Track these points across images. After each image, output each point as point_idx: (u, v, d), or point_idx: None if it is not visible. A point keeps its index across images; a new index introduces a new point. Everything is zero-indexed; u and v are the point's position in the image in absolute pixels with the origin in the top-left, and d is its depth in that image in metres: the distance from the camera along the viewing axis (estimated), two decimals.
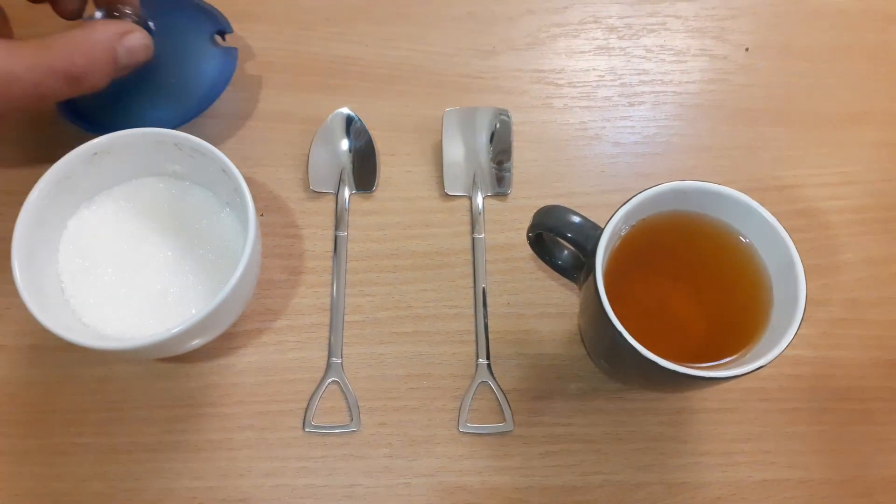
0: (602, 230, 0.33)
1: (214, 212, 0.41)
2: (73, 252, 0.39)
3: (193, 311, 0.36)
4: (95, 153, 0.38)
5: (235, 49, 0.47)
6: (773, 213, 0.35)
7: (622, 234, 0.36)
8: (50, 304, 0.36)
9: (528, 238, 0.38)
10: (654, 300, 0.37)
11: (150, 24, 0.44)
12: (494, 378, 0.41)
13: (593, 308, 0.34)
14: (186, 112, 0.45)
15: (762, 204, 0.47)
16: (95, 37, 0.37)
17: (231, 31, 0.47)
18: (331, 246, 0.44)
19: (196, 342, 0.37)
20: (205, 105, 0.45)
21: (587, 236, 0.35)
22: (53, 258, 0.38)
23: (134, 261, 0.39)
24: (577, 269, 0.38)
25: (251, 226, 0.36)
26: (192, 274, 0.39)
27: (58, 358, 0.41)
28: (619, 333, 0.31)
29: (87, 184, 0.39)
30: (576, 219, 0.35)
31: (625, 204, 0.34)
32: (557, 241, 0.39)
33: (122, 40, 0.38)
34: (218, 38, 0.47)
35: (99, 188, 0.40)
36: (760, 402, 0.41)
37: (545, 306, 0.43)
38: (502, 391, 0.41)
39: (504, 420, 0.40)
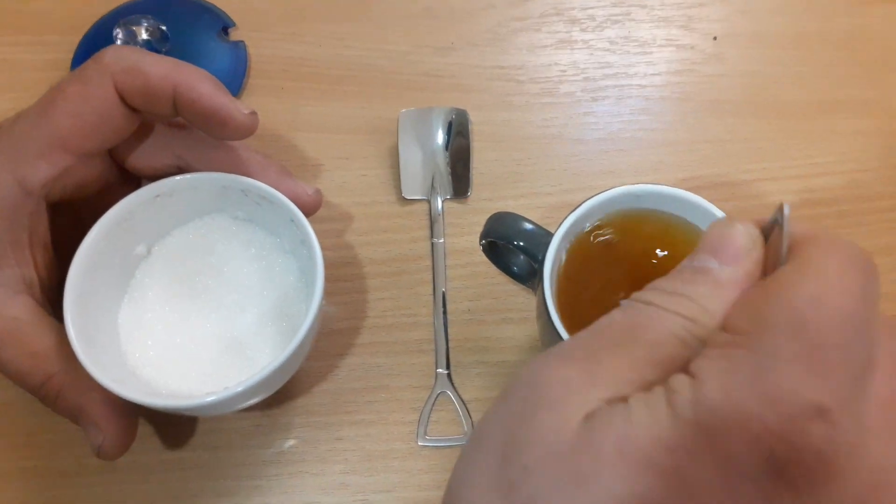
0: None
1: (276, 256, 0.38)
2: (129, 299, 0.37)
3: (260, 363, 0.34)
4: (157, 195, 0.35)
5: (243, 42, 0.48)
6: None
7: (575, 239, 0.34)
8: (100, 353, 0.33)
9: (482, 246, 0.37)
10: (611, 305, 0.35)
11: (163, 27, 0.45)
12: (455, 388, 0.40)
13: (544, 317, 0.32)
14: None
15: (731, 198, 0.45)
16: None
17: (234, 25, 0.48)
18: None
19: (253, 401, 0.35)
20: None
21: (538, 244, 0.33)
22: (111, 305, 0.36)
23: (191, 308, 0.37)
24: (533, 276, 0.37)
25: (318, 281, 0.33)
26: (255, 323, 0.36)
27: (4, 381, 0.39)
28: None
29: (147, 226, 0.37)
30: (527, 226, 0.34)
31: (573, 211, 0.32)
32: (510, 248, 0.37)
33: None
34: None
35: (160, 230, 0.38)
36: None
37: (507, 311, 0.42)
38: (463, 402, 0.40)
39: (464, 432, 0.39)
